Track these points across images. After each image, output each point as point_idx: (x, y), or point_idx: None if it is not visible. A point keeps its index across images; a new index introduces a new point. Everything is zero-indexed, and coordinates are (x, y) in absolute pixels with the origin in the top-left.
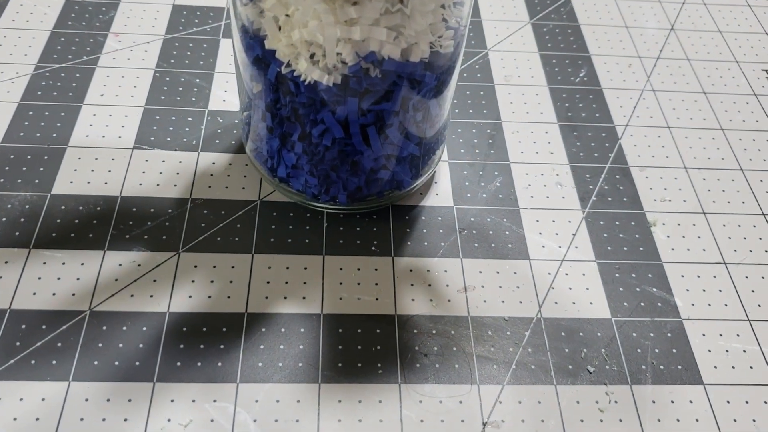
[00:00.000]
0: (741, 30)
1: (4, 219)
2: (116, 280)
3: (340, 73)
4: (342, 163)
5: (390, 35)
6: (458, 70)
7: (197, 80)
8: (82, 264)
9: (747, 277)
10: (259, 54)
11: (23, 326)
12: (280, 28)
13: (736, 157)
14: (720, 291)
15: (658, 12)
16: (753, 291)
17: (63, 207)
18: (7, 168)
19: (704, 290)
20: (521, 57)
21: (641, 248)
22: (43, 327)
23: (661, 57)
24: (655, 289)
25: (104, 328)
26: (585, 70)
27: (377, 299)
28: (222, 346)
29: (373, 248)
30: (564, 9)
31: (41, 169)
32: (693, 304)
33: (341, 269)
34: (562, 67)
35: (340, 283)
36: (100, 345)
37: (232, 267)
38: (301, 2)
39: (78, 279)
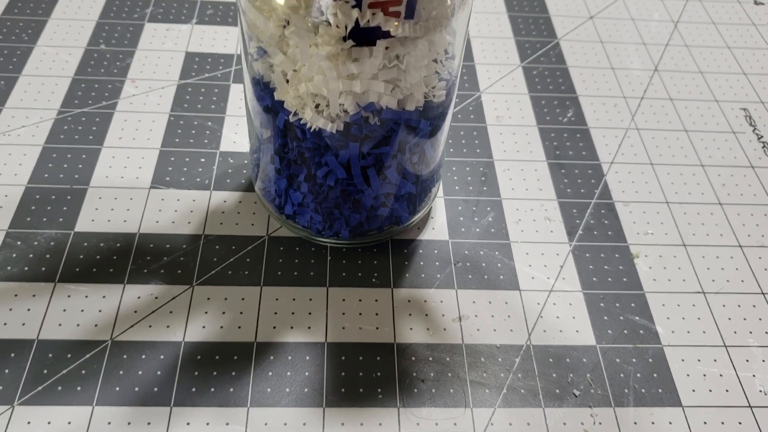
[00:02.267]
0: (721, 71)
1: (31, 255)
2: (135, 311)
3: (343, 121)
4: (344, 201)
5: (387, 88)
6: (451, 114)
7: (209, 123)
8: (104, 297)
9: (724, 306)
10: (269, 104)
11: (50, 355)
12: (288, 81)
13: (714, 191)
14: (698, 319)
15: (642, 54)
16: (729, 319)
17: (85, 244)
18: (33, 208)
19: (684, 318)
20: (512, 99)
21: (625, 279)
22: (69, 356)
23: (645, 97)
24: (637, 318)
25: (125, 356)
26: (572, 110)
27: (377, 328)
28: (233, 373)
29: (373, 280)
30: (553, 52)
31: (65, 208)
32: (673, 332)
33: (344, 300)
34: (551, 107)
35: (343, 314)
36: (121, 372)
37: (242, 299)
38: (307, 59)
39: (100, 311)
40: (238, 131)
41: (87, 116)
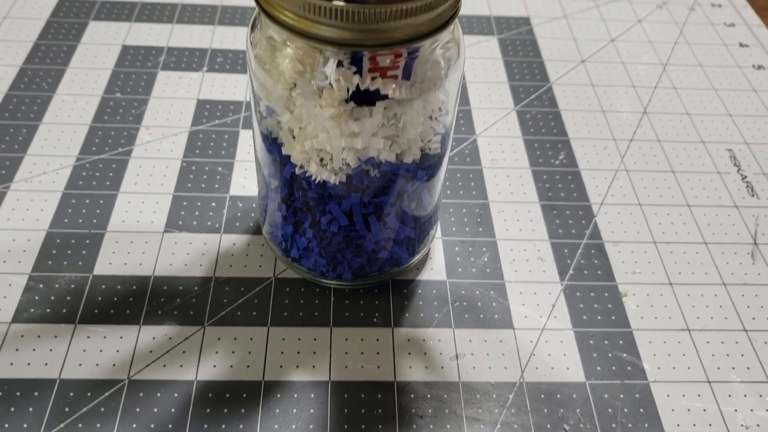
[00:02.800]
0: (707, 112)
1: (52, 297)
2: (150, 351)
3: (345, 173)
4: (347, 245)
5: (386, 143)
6: (446, 162)
7: (219, 168)
8: (121, 337)
9: (708, 342)
10: (277, 157)
11: (71, 394)
12: (294, 138)
13: (700, 231)
14: (683, 355)
15: (632, 97)
16: (713, 355)
17: (103, 286)
18: (54, 252)
19: (669, 354)
20: (506, 142)
21: (613, 317)
22: (88, 394)
23: (634, 139)
24: (625, 354)
25: (141, 394)
26: (564, 153)
27: (378, 367)
28: (243, 411)
29: (375, 320)
30: (546, 96)
31: (84, 252)
32: (659, 368)
33: (347, 340)
34: (544, 150)
35: (346, 353)
36: (138, 410)
37: (251, 339)
38: (312, 119)
39: (117, 351)
40: (246, 176)
41: (104, 162)
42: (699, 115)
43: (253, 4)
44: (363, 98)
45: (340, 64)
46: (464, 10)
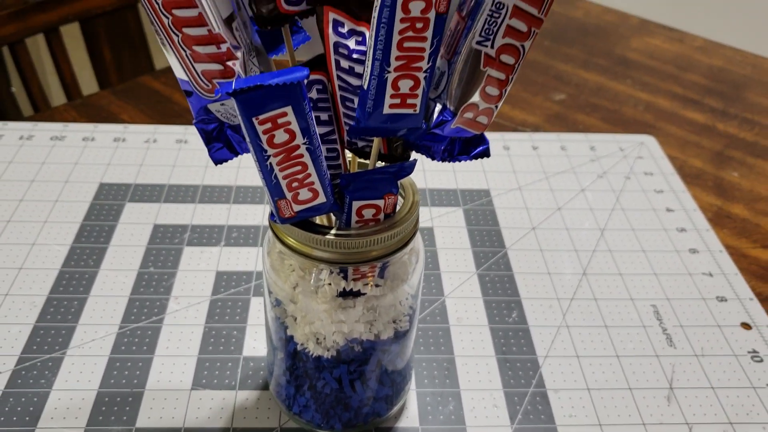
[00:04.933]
0: (636, 272)
1: None
2: None
3: (335, 349)
4: (337, 403)
5: (366, 327)
6: (414, 332)
7: (234, 332)
8: None
9: None
10: (283, 336)
11: None
12: (297, 322)
13: (626, 377)
14: None
15: (573, 260)
16: None
17: None
18: (103, 408)
19: None
20: (470, 302)
21: None
22: None
23: (575, 298)
24: None
25: None
26: (516, 312)
27: None
28: None
29: None
30: (502, 260)
31: (127, 408)
32: None
33: None
34: (500, 309)
35: None
36: None
37: None
38: (310, 310)
39: None
40: (256, 338)
41: (141, 330)
42: (629, 274)
43: (259, 183)
44: (348, 295)
45: (331, 272)
46: (435, 184)
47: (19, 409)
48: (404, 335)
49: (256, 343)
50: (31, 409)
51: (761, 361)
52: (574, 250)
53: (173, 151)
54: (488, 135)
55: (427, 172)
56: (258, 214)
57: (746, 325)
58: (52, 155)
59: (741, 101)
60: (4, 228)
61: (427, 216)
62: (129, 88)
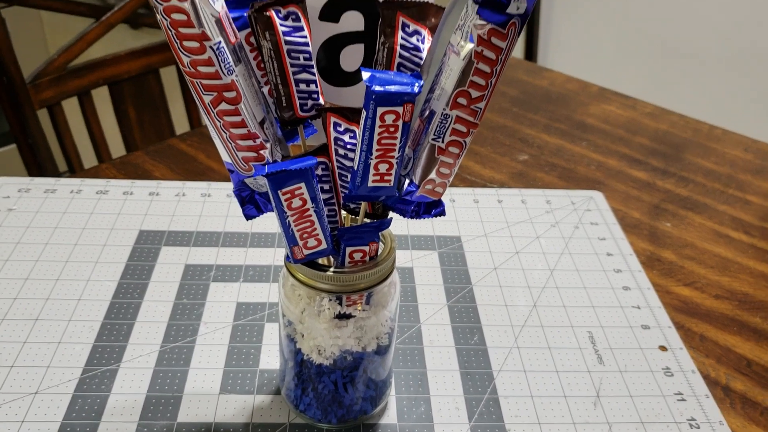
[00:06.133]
0: (577, 305)
1: None
2: None
3: (332, 359)
4: (333, 402)
5: (356, 342)
6: (393, 348)
7: (252, 350)
8: None
9: None
10: (293, 349)
11: None
12: (303, 337)
13: (562, 387)
14: None
15: (526, 294)
16: None
17: (184, 430)
18: (151, 407)
19: None
20: (440, 328)
21: None
22: None
23: (525, 325)
24: None
25: None
26: (477, 335)
27: None
28: None
29: None
30: (468, 295)
31: (170, 407)
32: None
33: None
34: (464, 333)
35: None
36: None
37: None
38: (314, 328)
39: None
40: (269, 355)
41: (178, 348)
42: (571, 306)
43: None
44: (342, 316)
45: (330, 299)
46: (415, 231)
47: (86, 407)
48: (386, 349)
49: (269, 359)
50: (96, 407)
51: (672, 375)
52: (528, 287)
53: (199, 203)
54: (461, 190)
55: (410, 222)
56: (269, 256)
57: (663, 348)
58: (98, 207)
59: (680, 161)
60: (63, 267)
61: (408, 257)
62: (160, 149)
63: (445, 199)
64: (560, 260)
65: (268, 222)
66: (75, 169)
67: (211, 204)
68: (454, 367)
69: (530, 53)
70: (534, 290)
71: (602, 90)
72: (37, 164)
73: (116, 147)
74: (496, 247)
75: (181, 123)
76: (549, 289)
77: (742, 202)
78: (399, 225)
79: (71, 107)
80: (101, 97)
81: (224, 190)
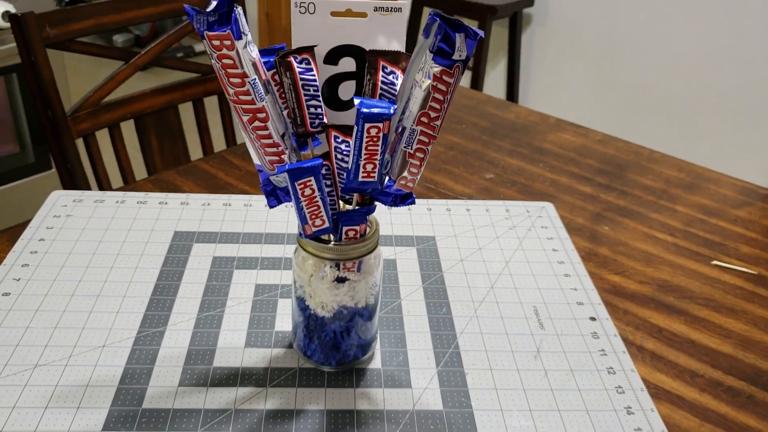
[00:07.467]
0: (526, 287)
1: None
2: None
3: (332, 312)
4: (333, 348)
5: (351, 299)
6: (379, 308)
7: (269, 317)
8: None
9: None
10: (302, 306)
11: None
12: (311, 297)
13: (510, 344)
14: None
15: (485, 279)
16: None
17: (219, 371)
18: (192, 357)
19: None
20: (416, 302)
21: (458, 379)
22: None
23: (484, 301)
24: None
25: None
26: (445, 308)
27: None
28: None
29: (345, 384)
30: (439, 279)
31: (207, 356)
32: None
33: (332, 394)
34: (435, 307)
35: (332, 398)
36: None
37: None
38: (319, 289)
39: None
40: (282, 320)
41: (211, 317)
42: (522, 288)
43: (283, 228)
44: (340, 279)
45: (330, 266)
46: (399, 232)
47: (143, 356)
48: (373, 307)
49: (282, 323)
50: (150, 356)
51: (598, 338)
52: (487, 274)
53: (221, 210)
54: (436, 201)
55: (395, 225)
56: (280, 250)
57: (593, 318)
58: (140, 214)
59: (621, 178)
60: (115, 259)
61: (392, 252)
62: (188, 169)
63: (422, 208)
64: (515, 255)
65: (280, 224)
66: (105, 190)
67: (232, 211)
68: (426, 330)
69: (511, 95)
70: (492, 276)
71: (559, 121)
72: (74, 186)
73: (139, 171)
74: (463, 244)
75: (195, 150)
76: (504, 276)
77: (671, 211)
78: (386, 227)
79: (102, 136)
80: (128, 129)
81: (241, 200)
